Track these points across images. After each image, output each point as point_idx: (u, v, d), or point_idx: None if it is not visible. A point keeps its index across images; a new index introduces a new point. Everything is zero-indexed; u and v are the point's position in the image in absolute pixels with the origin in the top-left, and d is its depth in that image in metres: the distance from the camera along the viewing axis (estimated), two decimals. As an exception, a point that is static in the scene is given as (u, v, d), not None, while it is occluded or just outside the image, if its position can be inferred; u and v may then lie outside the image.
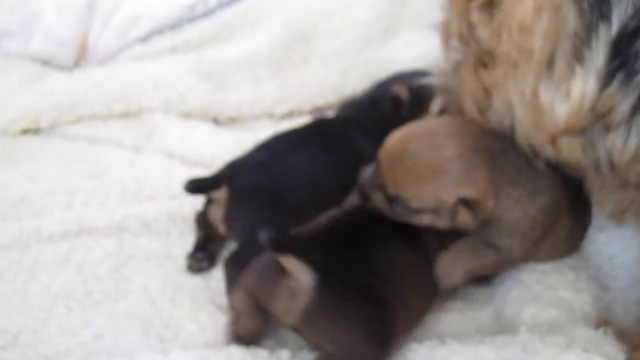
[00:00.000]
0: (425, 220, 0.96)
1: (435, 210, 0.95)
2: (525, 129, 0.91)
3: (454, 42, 0.97)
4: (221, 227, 1.14)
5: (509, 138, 0.94)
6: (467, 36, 0.92)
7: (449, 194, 0.93)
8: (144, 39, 1.58)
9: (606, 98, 0.82)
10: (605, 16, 0.79)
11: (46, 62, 1.61)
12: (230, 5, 1.57)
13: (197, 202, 1.23)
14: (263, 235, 0.87)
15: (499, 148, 0.96)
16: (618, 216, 0.96)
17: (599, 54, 0.81)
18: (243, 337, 0.97)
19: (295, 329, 0.93)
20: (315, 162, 1.19)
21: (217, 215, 1.14)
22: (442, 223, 0.97)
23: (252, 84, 1.52)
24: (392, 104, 1.30)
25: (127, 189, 1.29)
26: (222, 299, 1.09)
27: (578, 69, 0.83)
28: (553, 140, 0.89)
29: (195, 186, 1.13)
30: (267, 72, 1.52)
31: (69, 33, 1.60)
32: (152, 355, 0.94)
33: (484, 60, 0.92)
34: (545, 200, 0.98)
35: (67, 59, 1.62)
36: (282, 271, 0.90)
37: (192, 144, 1.39)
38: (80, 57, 1.64)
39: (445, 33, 0.99)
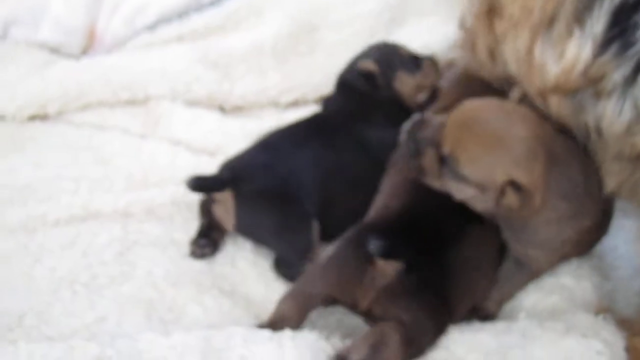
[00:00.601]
0: (467, 193, 0.94)
1: (482, 186, 0.92)
2: (520, 81, 0.95)
3: None
4: (229, 227, 1.15)
5: (577, 149, 0.94)
6: None
7: (503, 171, 0.91)
8: (151, 27, 1.58)
9: (600, 65, 0.84)
10: None
11: (54, 50, 1.62)
12: (238, -7, 1.59)
13: (202, 189, 1.24)
14: (374, 247, 0.91)
15: (563, 157, 0.94)
16: (616, 191, 0.96)
17: (599, 21, 0.83)
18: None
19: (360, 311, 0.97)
20: (320, 161, 1.18)
21: (222, 214, 1.15)
22: (482, 204, 0.94)
23: (258, 74, 1.52)
24: (364, 80, 1.28)
25: (132, 176, 1.30)
26: (226, 283, 1.11)
27: (576, 32, 0.85)
28: (542, 95, 0.92)
29: (198, 185, 1.13)
30: (273, 62, 1.52)
31: (77, 21, 1.61)
32: (154, 337, 0.94)
33: (496, 10, 0.94)
34: (586, 224, 0.98)
35: (75, 47, 1.62)
36: (363, 264, 0.94)
37: (198, 132, 1.39)
38: (88, 46, 1.64)
39: None
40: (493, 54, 1.00)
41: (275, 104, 1.52)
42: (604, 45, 0.83)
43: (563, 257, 1.04)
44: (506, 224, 0.99)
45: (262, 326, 0.96)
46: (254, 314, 1.06)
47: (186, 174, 1.27)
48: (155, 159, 1.34)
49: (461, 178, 0.93)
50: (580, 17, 0.84)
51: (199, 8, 1.59)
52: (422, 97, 1.21)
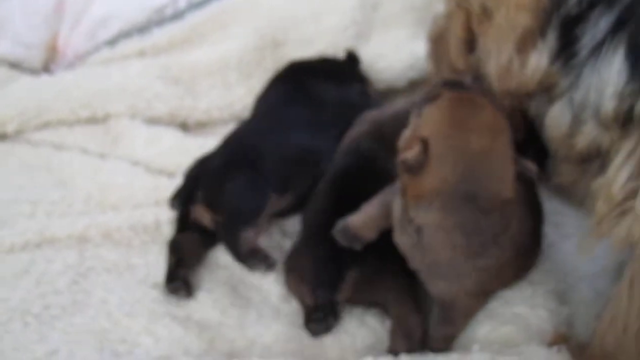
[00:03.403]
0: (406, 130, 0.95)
1: (413, 129, 0.93)
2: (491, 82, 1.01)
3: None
4: (205, 216, 1.15)
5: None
6: None
7: (429, 129, 0.90)
8: (112, 42, 1.56)
9: (551, 73, 0.92)
10: None
11: (15, 65, 1.59)
12: (200, 7, 1.55)
13: (160, 211, 1.23)
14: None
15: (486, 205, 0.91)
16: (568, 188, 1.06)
17: (554, 32, 0.90)
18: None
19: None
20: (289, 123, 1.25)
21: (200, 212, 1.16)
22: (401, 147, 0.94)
23: (222, 89, 1.49)
24: None
25: (91, 198, 1.28)
26: (180, 310, 1.09)
27: (540, 44, 0.92)
28: (506, 97, 0.99)
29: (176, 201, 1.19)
30: (238, 77, 1.50)
31: (37, 36, 1.58)
32: (104, 372, 0.94)
33: (479, 15, 1.00)
34: (485, 263, 0.95)
35: (36, 62, 1.60)
36: None
37: (157, 151, 1.37)
38: (51, 60, 1.62)
39: None
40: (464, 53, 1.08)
41: (240, 120, 1.49)
42: (555, 55, 0.91)
43: (484, 292, 1.01)
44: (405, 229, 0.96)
45: None
46: (208, 340, 1.05)
47: (144, 195, 1.27)
48: (113, 179, 1.31)
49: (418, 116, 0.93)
50: (543, 30, 0.91)
51: (160, 22, 1.56)
52: None
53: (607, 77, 0.85)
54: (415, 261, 0.97)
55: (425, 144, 0.87)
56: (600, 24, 0.86)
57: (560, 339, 1.02)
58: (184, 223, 1.18)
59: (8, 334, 1.03)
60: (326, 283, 1.03)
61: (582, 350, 1.00)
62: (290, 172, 1.19)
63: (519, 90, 0.98)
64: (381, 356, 0.98)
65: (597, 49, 0.86)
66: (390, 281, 1.03)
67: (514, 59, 0.95)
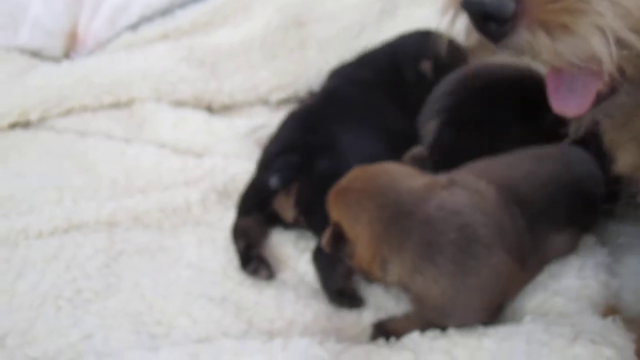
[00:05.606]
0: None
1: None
2: None
3: None
4: (289, 213, 1.12)
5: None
6: None
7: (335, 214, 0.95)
8: (134, 26, 1.53)
9: None
10: None
11: (36, 54, 1.57)
12: (223, -13, 1.53)
13: (190, 192, 1.20)
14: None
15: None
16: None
17: None
18: None
19: None
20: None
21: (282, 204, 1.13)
22: None
23: (247, 71, 1.47)
24: (415, 77, 1.29)
25: (117, 183, 1.25)
26: (216, 291, 1.06)
27: None
28: None
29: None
30: (262, 58, 1.47)
31: (57, 23, 1.56)
32: (141, 354, 0.91)
33: None
34: (476, 282, 0.91)
35: (56, 50, 1.58)
36: None
37: (184, 132, 1.35)
38: (71, 48, 1.60)
39: None
40: None
41: (266, 102, 1.47)
42: None
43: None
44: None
45: None
46: (246, 321, 1.01)
47: (172, 177, 1.24)
48: (139, 163, 1.29)
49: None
50: None
51: (183, 4, 1.53)
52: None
53: None
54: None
55: (335, 225, 0.94)
56: None
57: (611, 312, 0.98)
58: (253, 203, 1.15)
59: (41, 317, 1.00)
60: None
61: (632, 323, 0.96)
62: None
63: None
64: (428, 330, 0.94)
65: None
66: None
67: None
